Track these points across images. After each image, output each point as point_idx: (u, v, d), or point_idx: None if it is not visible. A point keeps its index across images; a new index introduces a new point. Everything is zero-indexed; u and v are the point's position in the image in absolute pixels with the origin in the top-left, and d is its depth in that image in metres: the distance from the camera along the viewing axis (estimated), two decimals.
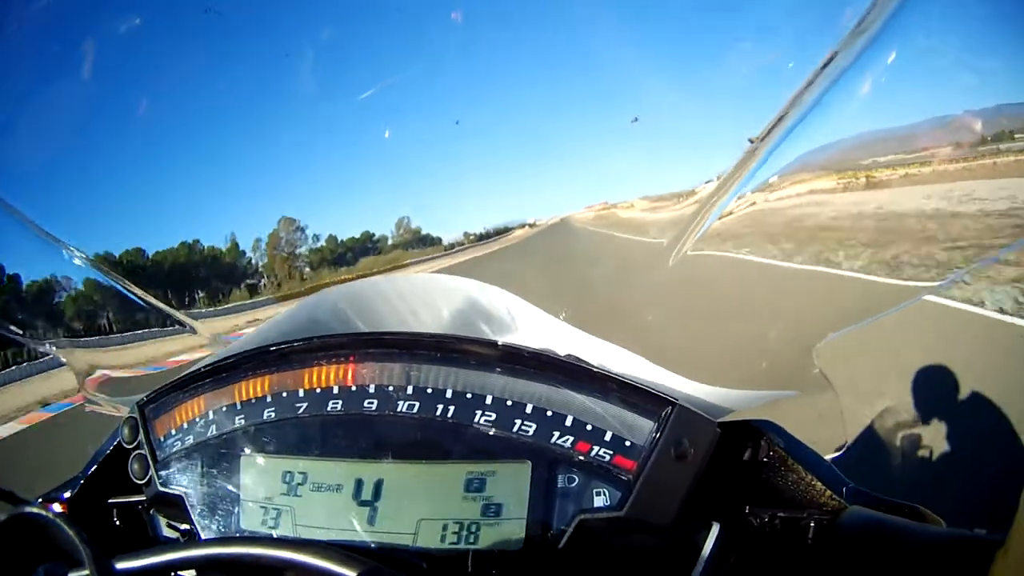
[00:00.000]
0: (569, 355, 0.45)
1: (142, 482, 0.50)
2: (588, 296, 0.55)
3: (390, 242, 0.58)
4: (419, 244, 0.58)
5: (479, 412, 0.44)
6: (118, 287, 0.60)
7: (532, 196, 0.55)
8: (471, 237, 0.57)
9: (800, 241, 0.54)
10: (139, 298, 0.60)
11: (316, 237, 0.60)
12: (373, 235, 0.59)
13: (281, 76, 0.54)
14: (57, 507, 0.54)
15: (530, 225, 0.55)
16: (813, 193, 0.48)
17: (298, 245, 0.60)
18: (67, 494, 0.55)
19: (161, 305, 0.61)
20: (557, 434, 0.43)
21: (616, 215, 0.53)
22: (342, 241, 0.61)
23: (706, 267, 0.52)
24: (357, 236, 0.60)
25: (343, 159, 0.57)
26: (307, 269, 0.61)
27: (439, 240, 0.58)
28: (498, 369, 0.45)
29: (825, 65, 0.44)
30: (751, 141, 0.44)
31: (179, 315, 0.62)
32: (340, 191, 0.59)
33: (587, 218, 0.54)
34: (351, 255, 0.60)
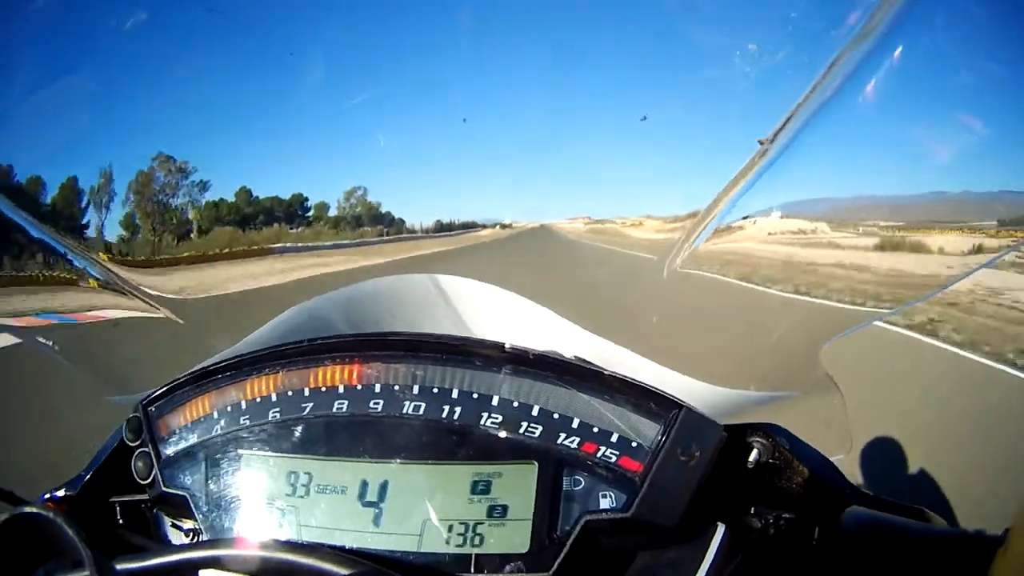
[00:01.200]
0: (575, 357, 0.45)
1: (146, 481, 0.50)
2: (592, 297, 0.55)
3: (332, 212, 0.49)
4: (373, 222, 0.49)
5: (485, 413, 0.44)
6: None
7: (526, 195, 0.53)
8: (441, 224, 0.50)
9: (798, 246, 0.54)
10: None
11: (204, 184, 0.47)
12: (306, 199, 0.48)
13: (276, 65, 0.48)
14: (58, 507, 0.53)
15: (503, 225, 0.51)
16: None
17: (174, 193, 0.47)
18: (69, 493, 0.54)
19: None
20: (563, 435, 0.43)
21: (614, 216, 0.53)
22: (257, 198, 0.49)
23: (711, 267, 0.51)
24: (284, 197, 0.48)
25: (293, 111, 0.48)
26: (193, 224, 0.49)
27: (401, 221, 0.49)
28: (504, 370, 0.45)
29: (827, 71, 0.43)
30: (760, 143, 0.44)
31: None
32: (278, 145, 0.48)
33: (582, 217, 0.53)
34: (263, 217, 0.49)
